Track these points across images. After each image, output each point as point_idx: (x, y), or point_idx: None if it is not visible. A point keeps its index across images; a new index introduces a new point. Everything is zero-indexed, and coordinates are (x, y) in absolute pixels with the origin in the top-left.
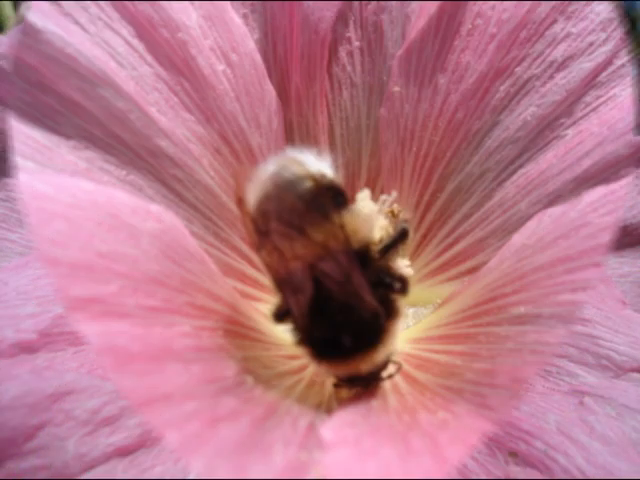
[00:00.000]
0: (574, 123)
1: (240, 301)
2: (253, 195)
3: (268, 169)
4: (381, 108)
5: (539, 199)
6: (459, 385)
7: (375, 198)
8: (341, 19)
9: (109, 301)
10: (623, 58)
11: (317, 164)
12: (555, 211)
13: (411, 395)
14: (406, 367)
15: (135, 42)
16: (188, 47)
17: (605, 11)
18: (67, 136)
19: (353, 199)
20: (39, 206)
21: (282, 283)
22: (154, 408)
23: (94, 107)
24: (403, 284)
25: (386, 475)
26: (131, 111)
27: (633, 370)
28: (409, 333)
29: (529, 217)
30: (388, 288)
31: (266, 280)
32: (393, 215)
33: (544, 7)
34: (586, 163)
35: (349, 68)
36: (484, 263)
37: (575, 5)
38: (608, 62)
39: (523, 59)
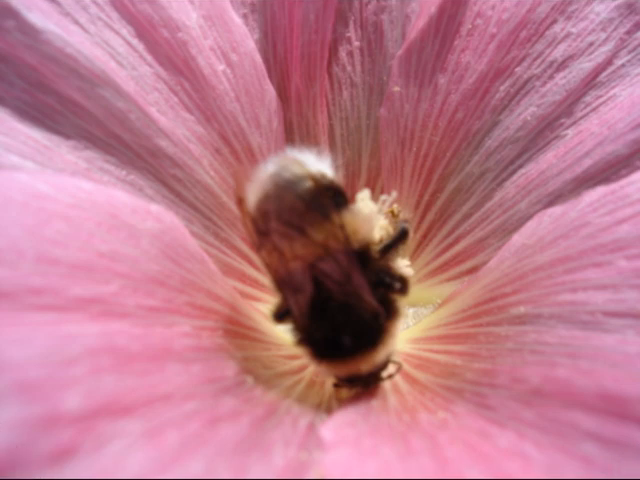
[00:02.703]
0: (574, 123)
1: (240, 301)
2: (253, 195)
3: (268, 169)
4: (381, 108)
5: (539, 199)
6: (459, 385)
7: (375, 198)
8: (341, 19)
9: (109, 301)
10: (623, 58)
11: (317, 164)
12: (555, 211)
13: (411, 395)
14: (406, 367)
15: (135, 42)
16: (188, 47)
17: (605, 11)
18: (67, 136)
19: (353, 199)
20: (39, 206)
21: (282, 283)
22: (154, 408)
23: (94, 107)
24: (403, 284)
25: (386, 475)
26: (131, 111)
27: None
28: (409, 333)
29: (529, 217)
30: (388, 288)
31: (266, 280)
32: (393, 215)
33: (544, 7)
34: (586, 163)
35: (349, 68)
36: (484, 263)
37: (575, 5)
38: (608, 62)
39: (523, 59)
